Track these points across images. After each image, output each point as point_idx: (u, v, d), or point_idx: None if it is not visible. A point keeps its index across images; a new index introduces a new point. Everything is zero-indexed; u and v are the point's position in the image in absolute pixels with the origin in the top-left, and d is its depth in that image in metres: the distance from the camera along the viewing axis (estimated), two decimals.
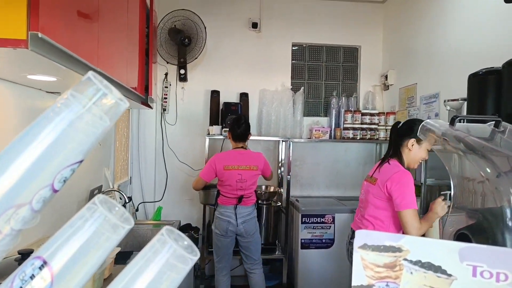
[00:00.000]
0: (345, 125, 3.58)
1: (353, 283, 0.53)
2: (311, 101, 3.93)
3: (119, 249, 1.73)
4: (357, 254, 0.54)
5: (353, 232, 1.98)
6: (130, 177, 3.46)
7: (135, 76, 1.89)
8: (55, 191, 0.41)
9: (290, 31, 3.80)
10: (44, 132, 0.39)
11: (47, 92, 1.54)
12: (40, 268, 0.39)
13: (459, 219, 0.90)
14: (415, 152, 1.83)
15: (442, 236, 0.93)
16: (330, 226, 3.20)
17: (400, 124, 1.94)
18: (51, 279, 0.39)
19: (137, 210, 3.46)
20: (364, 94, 3.89)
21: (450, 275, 0.49)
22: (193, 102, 3.71)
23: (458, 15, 2.67)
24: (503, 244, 0.78)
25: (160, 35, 3.37)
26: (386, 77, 3.67)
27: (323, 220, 3.19)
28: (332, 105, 3.74)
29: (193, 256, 0.43)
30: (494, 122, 0.92)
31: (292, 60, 3.85)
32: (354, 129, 3.55)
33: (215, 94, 3.60)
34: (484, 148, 0.80)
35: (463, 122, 1.06)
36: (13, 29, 0.77)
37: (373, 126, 3.59)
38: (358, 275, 0.53)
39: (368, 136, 3.58)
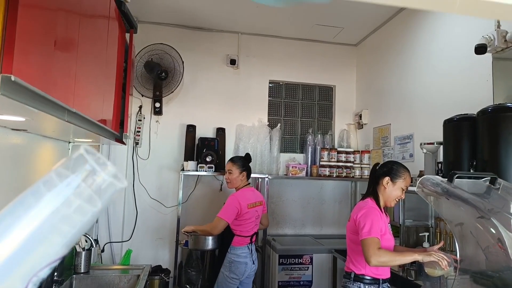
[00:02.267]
0: (322, 163, 3.59)
1: None
2: (287, 137, 3.93)
3: None
4: None
5: (345, 273, 1.98)
6: None
7: (110, 112, 1.79)
8: None
9: (267, 69, 3.86)
10: (22, 223, 0.31)
11: (12, 129, 1.41)
12: None
13: (462, 282, 0.86)
14: (390, 190, 1.91)
15: None
16: (308, 267, 3.10)
17: (379, 166, 2.03)
18: None
19: (102, 251, 3.21)
20: (339, 132, 3.95)
21: None
22: (168, 136, 3.60)
23: (429, 61, 2.81)
24: None
25: (136, 67, 3.30)
26: (360, 116, 3.77)
27: (301, 261, 3.09)
28: (308, 142, 3.76)
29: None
30: (490, 178, 0.93)
31: (269, 96, 3.88)
32: (330, 166, 3.56)
33: (190, 129, 3.53)
34: (490, 211, 0.78)
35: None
36: None
37: (348, 164, 3.62)
38: None
39: (344, 174, 3.60)
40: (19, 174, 1.56)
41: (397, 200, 1.93)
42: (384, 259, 1.68)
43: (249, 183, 2.73)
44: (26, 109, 0.86)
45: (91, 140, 2.09)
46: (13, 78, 0.70)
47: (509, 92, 2.17)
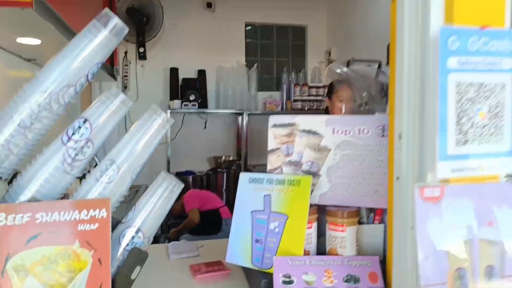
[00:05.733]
0: (295, 98, 3.97)
1: (269, 148, 0.87)
2: (265, 77, 4.27)
3: None
4: (270, 131, 0.88)
5: None
6: None
7: None
8: (88, 80, 0.72)
9: (243, 10, 4.08)
10: (87, 47, 0.69)
11: (25, 60, 1.74)
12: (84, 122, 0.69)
13: None
14: (331, 107, 2.01)
15: None
16: None
17: None
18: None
19: None
20: (312, 70, 4.30)
21: (320, 135, 0.84)
22: (153, 79, 3.91)
23: None
24: None
25: (118, 15, 3.52)
26: (330, 53, 4.10)
27: None
28: (283, 80, 4.11)
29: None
30: (378, 63, 1.32)
31: (246, 38, 4.15)
32: (302, 101, 3.96)
33: (174, 71, 3.83)
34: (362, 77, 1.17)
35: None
36: None
37: (319, 98, 4.01)
38: (271, 143, 0.88)
39: (315, 107, 4.01)
40: None
41: (341, 111, 1.98)
42: None
43: None
44: (47, 28, 1.21)
45: None
46: None
47: None
